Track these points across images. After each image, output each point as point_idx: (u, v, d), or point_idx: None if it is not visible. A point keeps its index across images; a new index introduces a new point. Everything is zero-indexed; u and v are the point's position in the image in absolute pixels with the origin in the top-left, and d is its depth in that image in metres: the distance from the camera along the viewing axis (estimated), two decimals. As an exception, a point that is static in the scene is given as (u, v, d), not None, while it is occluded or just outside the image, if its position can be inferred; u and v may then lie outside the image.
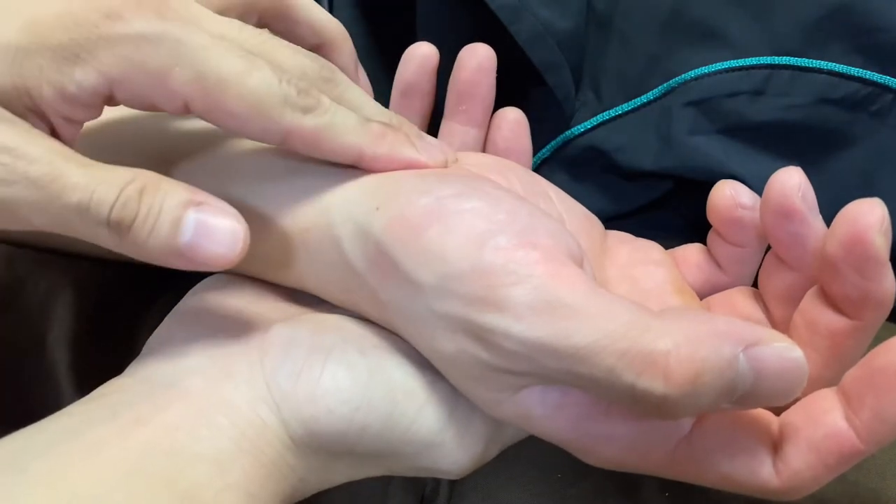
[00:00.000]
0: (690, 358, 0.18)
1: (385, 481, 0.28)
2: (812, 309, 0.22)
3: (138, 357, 0.23)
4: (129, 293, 0.30)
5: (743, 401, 0.19)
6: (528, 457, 0.28)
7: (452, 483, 0.29)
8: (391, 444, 0.22)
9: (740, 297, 0.25)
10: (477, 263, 0.19)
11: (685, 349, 0.18)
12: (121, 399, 0.21)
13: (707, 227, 0.26)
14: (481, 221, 0.20)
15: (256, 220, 0.23)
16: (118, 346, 0.30)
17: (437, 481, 0.29)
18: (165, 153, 0.26)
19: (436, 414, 0.22)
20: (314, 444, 0.22)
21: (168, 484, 0.19)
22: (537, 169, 0.36)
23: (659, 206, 0.36)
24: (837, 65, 0.31)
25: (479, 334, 0.19)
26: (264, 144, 0.26)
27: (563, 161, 0.36)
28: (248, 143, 0.26)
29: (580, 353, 0.18)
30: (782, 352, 0.18)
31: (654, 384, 0.18)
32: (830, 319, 0.21)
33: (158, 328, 0.24)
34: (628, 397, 0.18)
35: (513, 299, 0.19)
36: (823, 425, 0.19)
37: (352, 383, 0.21)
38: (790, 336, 0.20)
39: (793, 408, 0.21)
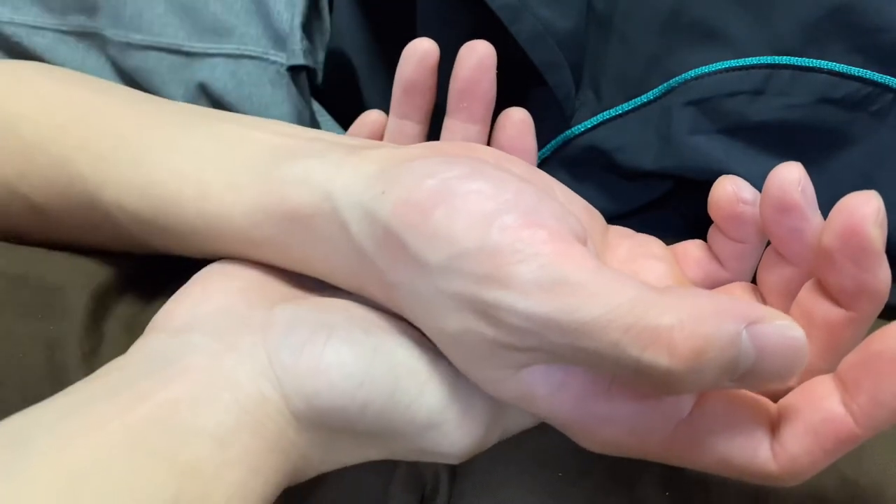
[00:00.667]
0: (695, 333, 0.18)
1: (385, 481, 0.28)
2: (809, 301, 0.22)
3: (142, 336, 0.23)
4: (131, 291, 0.30)
5: (744, 379, 0.19)
6: (529, 455, 0.28)
7: (452, 480, 0.29)
8: (392, 423, 0.22)
9: (739, 293, 0.25)
10: (484, 243, 0.19)
11: (689, 324, 0.18)
12: (122, 376, 0.21)
13: (707, 226, 0.26)
14: (488, 202, 0.20)
15: (261, 204, 0.23)
16: (121, 344, 0.30)
17: (436, 479, 0.29)
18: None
19: (437, 394, 0.22)
20: (316, 420, 0.22)
21: (169, 457, 0.19)
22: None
23: (659, 205, 0.36)
24: (837, 64, 0.31)
25: (486, 311, 0.20)
26: (264, 126, 0.26)
27: (563, 161, 0.37)
28: (251, 127, 0.26)
29: (585, 327, 0.18)
30: (784, 330, 0.18)
31: (658, 358, 0.18)
32: (827, 311, 0.21)
33: (161, 309, 0.24)
34: (633, 372, 0.19)
35: (519, 276, 0.19)
36: (821, 410, 0.20)
37: (355, 359, 0.22)
38: None
39: (790, 393, 0.21)
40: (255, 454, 0.21)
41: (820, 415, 0.20)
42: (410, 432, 0.22)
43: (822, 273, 0.21)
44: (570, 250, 0.19)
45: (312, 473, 0.23)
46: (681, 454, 0.21)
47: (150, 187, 0.25)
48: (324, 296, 0.25)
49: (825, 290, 0.21)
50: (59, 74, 0.30)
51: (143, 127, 0.27)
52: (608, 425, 0.21)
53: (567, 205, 0.26)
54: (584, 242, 0.21)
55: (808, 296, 0.22)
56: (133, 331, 0.29)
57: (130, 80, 0.43)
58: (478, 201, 0.20)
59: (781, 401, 0.21)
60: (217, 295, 0.24)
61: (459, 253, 0.20)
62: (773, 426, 0.21)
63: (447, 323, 0.21)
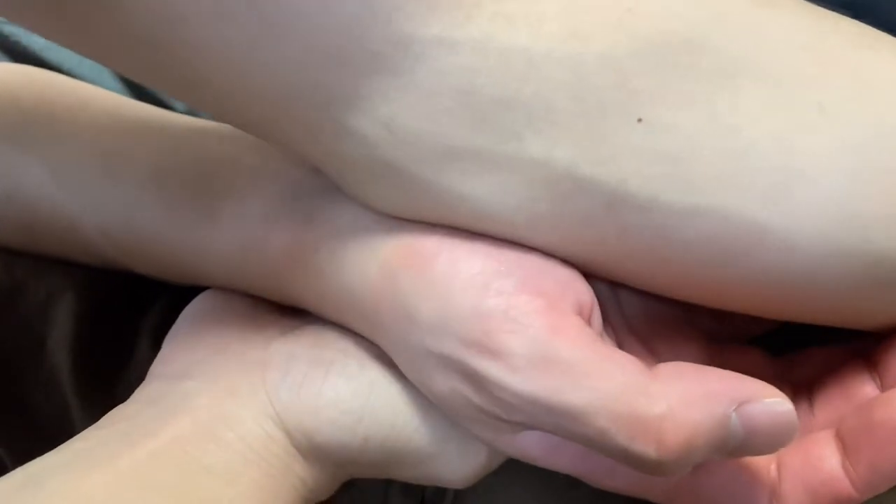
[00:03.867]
0: (684, 422, 0.18)
1: (386, 484, 0.28)
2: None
3: (143, 383, 0.23)
4: (129, 296, 0.30)
5: (734, 453, 0.19)
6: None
7: (453, 485, 0.29)
8: (395, 454, 0.22)
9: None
10: (478, 306, 0.19)
11: (679, 413, 0.18)
12: (131, 424, 0.21)
13: None
14: (489, 261, 0.19)
15: (258, 238, 0.23)
16: (118, 350, 0.30)
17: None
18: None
19: (437, 424, 0.22)
20: (320, 456, 0.22)
21: (179, 492, 0.19)
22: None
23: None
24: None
25: (474, 378, 0.19)
26: (266, 159, 0.25)
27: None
28: (252, 158, 0.25)
29: (573, 411, 0.18)
30: (773, 406, 0.18)
31: (646, 449, 0.18)
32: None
33: (160, 353, 0.24)
34: (621, 458, 0.18)
35: (510, 349, 0.18)
36: (821, 471, 0.20)
37: (353, 394, 0.22)
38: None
39: (793, 450, 0.21)
40: (266, 490, 0.21)
41: (820, 476, 0.20)
42: (413, 461, 0.22)
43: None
44: (564, 324, 0.19)
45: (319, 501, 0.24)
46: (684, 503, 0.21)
47: (133, 216, 0.25)
48: (317, 321, 0.24)
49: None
50: (42, 86, 0.29)
51: (128, 149, 0.26)
52: (609, 477, 0.20)
53: None
54: (588, 310, 0.20)
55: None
56: (134, 337, 0.29)
57: (129, 81, 0.43)
58: (479, 258, 0.19)
59: (782, 456, 0.21)
60: (211, 334, 0.24)
61: (452, 314, 0.19)
62: (773, 483, 0.20)
63: (434, 381, 0.20)
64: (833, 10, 0.30)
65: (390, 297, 0.20)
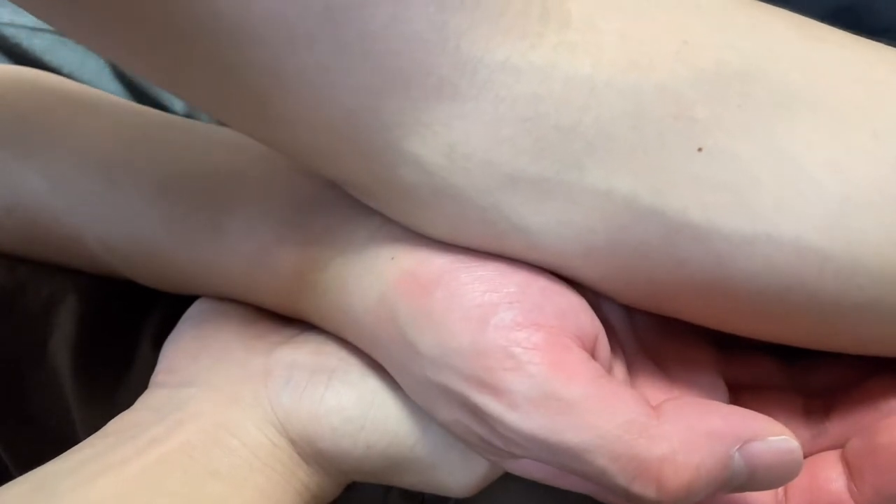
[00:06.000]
0: (685, 464, 0.18)
1: (386, 487, 0.28)
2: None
3: (146, 391, 0.23)
4: (131, 298, 0.30)
5: (737, 490, 0.19)
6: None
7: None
8: (397, 463, 0.22)
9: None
10: (477, 341, 0.18)
11: (680, 455, 0.18)
12: (137, 431, 0.21)
13: None
14: (489, 293, 0.19)
15: (266, 257, 0.23)
16: (120, 352, 0.30)
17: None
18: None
19: (440, 434, 0.22)
20: (323, 462, 0.22)
21: (188, 500, 0.19)
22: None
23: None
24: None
25: (475, 411, 0.19)
26: (272, 172, 0.24)
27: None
28: (257, 171, 0.24)
29: (572, 451, 0.18)
30: (778, 444, 0.18)
31: (647, 491, 0.18)
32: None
33: (162, 359, 0.24)
34: (622, 496, 0.18)
35: (509, 386, 0.18)
36: (827, 493, 0.20)
37: (355, 403, 0.22)
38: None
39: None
40: (269, 495, 0.21)
41: (826, 498, 0.20)
42: (416, 469, 0.22)
43: None
44: (566, 359, 0.18)
45: None
46: None
47: (135, 229, 0.24)
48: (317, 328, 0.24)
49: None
50: (42, 91, 0.28)
51: (129, 159, 0.25)
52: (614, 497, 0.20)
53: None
54: (592, 341, 0.20)
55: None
56: (135, 340, 0.29)
57: (130, 83, 0.43)
58: (480, 291, 0.19)
59: None
60: (213, 341, 0.24)
61: (452, 348, 0.19)
62: (779, 501, 0.21)
63: (436, 408, 0.20)
64: (834, 11, 0.31)
65: (390, 325, 0.20)
